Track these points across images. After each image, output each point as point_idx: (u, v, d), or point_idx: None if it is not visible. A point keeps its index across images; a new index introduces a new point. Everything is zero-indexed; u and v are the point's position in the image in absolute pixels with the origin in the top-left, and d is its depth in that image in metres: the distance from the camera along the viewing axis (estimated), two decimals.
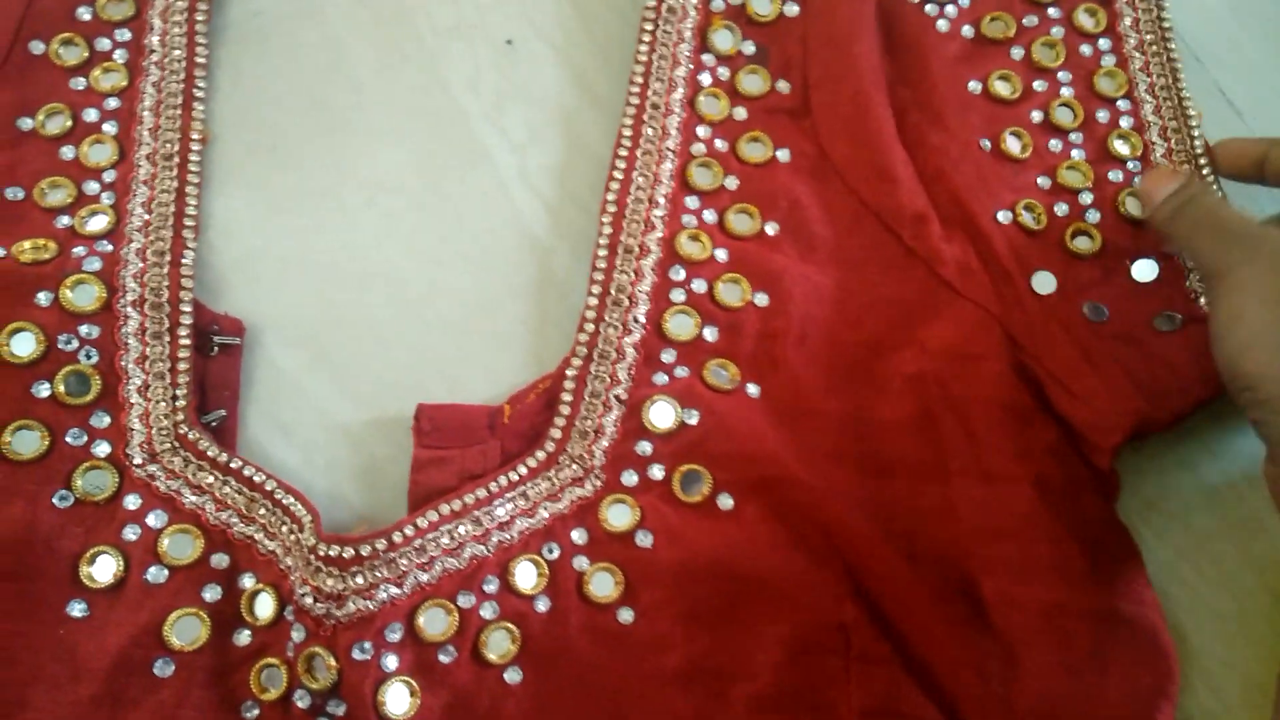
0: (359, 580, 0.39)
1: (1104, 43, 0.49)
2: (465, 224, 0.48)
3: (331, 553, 0.39)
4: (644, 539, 0.41)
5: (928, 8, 0.48)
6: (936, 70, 0.47)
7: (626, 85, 0.48)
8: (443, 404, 0.43)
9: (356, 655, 0.38)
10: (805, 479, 0.41)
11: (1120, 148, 0.47)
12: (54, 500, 0.40)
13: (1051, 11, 0.49)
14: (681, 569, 0.41)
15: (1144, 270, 0.45)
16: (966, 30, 0.48)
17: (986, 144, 0.46)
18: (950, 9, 0.48)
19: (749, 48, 0.47)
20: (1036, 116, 0.47)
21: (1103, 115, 0.48)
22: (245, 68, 0.50)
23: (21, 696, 0.38)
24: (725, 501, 0.41)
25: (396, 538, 0.40)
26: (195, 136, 0.47)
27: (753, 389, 0.43)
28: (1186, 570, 0.44)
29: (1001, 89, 0.47)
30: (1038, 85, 0.48)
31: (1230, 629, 0.44)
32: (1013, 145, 0.47)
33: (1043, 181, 0.46)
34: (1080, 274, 0.45)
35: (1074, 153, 0.47)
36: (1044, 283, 0.44)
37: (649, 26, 0.47)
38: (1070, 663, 0.40)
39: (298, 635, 0.39)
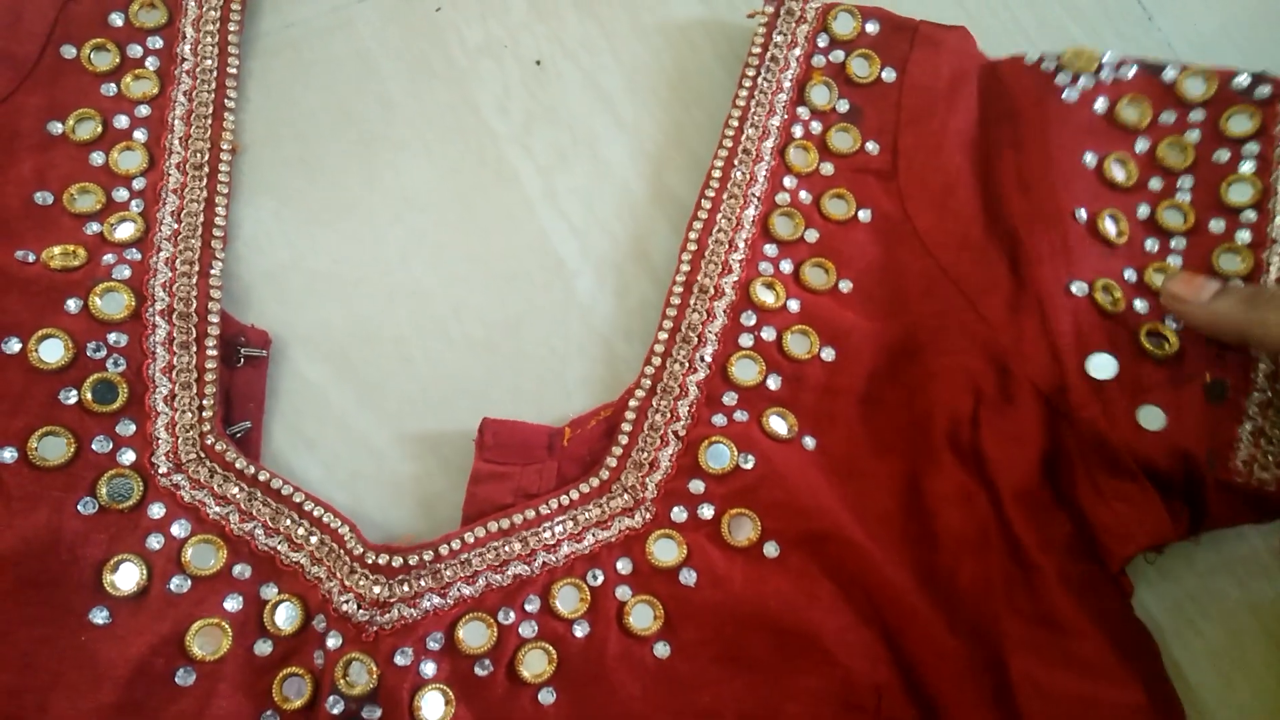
0: (405, 588, 0.40)
1: (1250, 146, 0.48)
2: (491, 243, 0.49)
3: (380, 561, 0.41)
4: (688, 576, 0.42)
5: (1059, 77, 0.49)
6: (1053, 138, 0.48)
7: (651, 112, 0.50)
8: (506, 420, 0.44)
9: (398, 660, 0.40)
10: (854, 538, 0.42)
11: (1226, 262, 0.46)
12: (79, 507, 0.41)
13: (1195, 114, 0.49)
14: (722, 610, 0.42)
15: (1215, 392, 0.44)
16: (1100, 104, 0.49)
17: (1083, 215, 0.47)
18: (1084, 80, 0.49)
19: (843, 106, 0.49)
20: (1143, 211, 0.48)
21: (1217, 226, 0.47)
22: (276, 79, 0.50)
23: (42, 702, 0.38)
24: (771, 549, 0.42)
25: (444, 550, 0.41)
26: (225, 147, 0.47)
27: (809, 441, 0.44)
28: (1189, 607, 0.46)
29: (1116, 172, 0.48)
30: (1154, 183, 0.48)
31: (1227, 666, 0.45)
32: (1109, 227, 0.47)
33: (1129, 274, 0.46)
34: (1145, 374, 0.44)
35: (1171, 258, 0.47)
36: (1102, 366, 0.44)
37: (750, 73, 0.49)
38: None
39: (334, 641, 0.40)
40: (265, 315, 0.47)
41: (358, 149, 0.49)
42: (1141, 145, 0.48)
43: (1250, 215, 0.47)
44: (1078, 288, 0.45)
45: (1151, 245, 0.47)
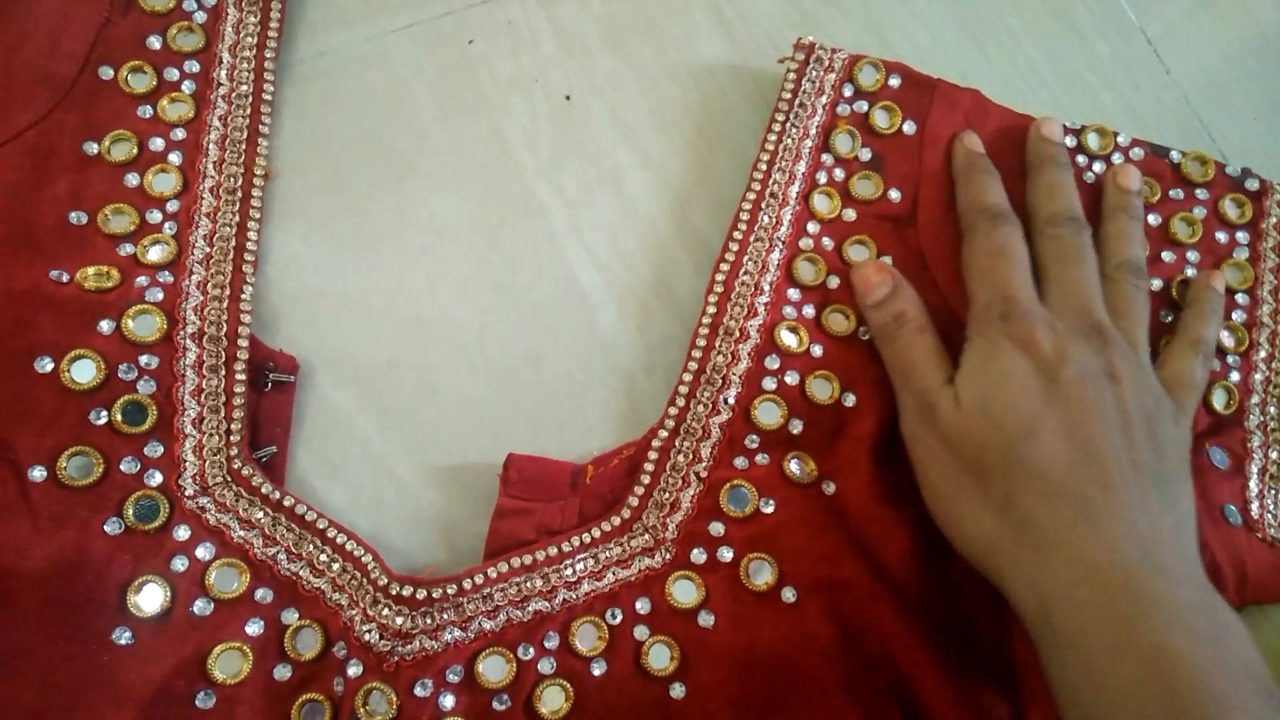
0: (427, 620, 0.41)
1: (1242, 235, 0.51)
2: (517, 275, 0.49)
3: (404, 592, 0.41)
4: (705, 619, 0.43)
5: (1079, 158, 0.51)
6: None
7: (676, 149, 0.51)
8: (531, 456, 0.45)
9: (418, 692, 0.40)
10: (871, 585, 0.43)
11: (1226, 339, 0.49)
12: (105, 527, 0.41)
13: (1200, 193, 0.52)
14: (739, 653, 0.42)
15: (1218, 457, 0.48)
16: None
17: None
18: (1098, 165, 0.51)
19: (866, 154, 0.50)
20: (1155, 284, 0.50)
21: None
22: (310, 107, 0.51)
23: None
24: (789, 594, 0.43)
25: (467, 584, 0.42)
26: (258, 172, 0.48)
27: (829, 487, 0.45)
28: None
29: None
30: (1166, 255, 0.50)
31: None
32: None
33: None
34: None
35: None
36: None
37: (780, 118, 0.50)
38: None
39: (354, 670, 0.40)
40: (292, 340, 0.47)
41: (388, 178, 0.50)
42: (1154, 219, 0.51)
43: (1242, 299, 0.50)
44: None
45: (1165, 317, 0.49)
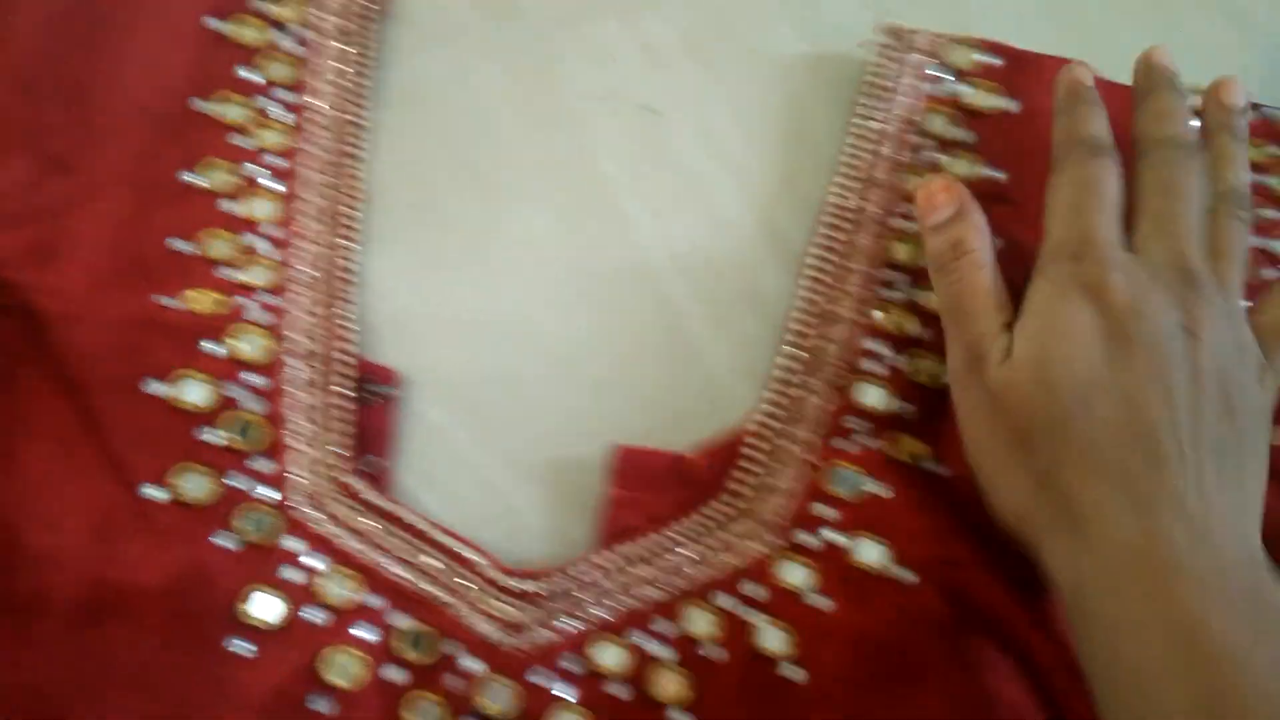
0: (540, 611, 0.42)
1: None
2: (606, 287, 0.50)
3: (516, 585, 0.42)
4: (820, 600, 0.42)
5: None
6: None
7: (760, 152, 0.51)
8: (639, 448, 0.45)
9: (536, 682, 0.41)
10: (983, 563, 0.42)
11: None
12: (217, 541, 0.42)
13: None
14: (855, 635, 0.42)
15: None
16: None
17: None
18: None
19: (961, 134, 0.49)
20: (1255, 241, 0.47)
21: None
22: (403, 130, 0.52)
23: None
24: (902, 574, 0.43)
25: (574, 573, 0.42)
26: (353, 195, 0.49)
27: (940, 468, 0.44)
28: None
29: None
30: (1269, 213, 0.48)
31: None
32: None
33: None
34: None
35: None
36: None
37: (863, 100, 0.49)
38: None
39: (471, 665, 0.41)
40: (391, 357, 0.48)
41: (477, 196, 0.51)
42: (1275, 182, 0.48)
43: None
44: None
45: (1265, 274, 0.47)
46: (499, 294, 0.49)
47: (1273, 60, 0.55)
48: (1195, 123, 0.45)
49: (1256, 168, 0.47)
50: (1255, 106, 0.49)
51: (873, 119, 0.49)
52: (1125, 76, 0.50)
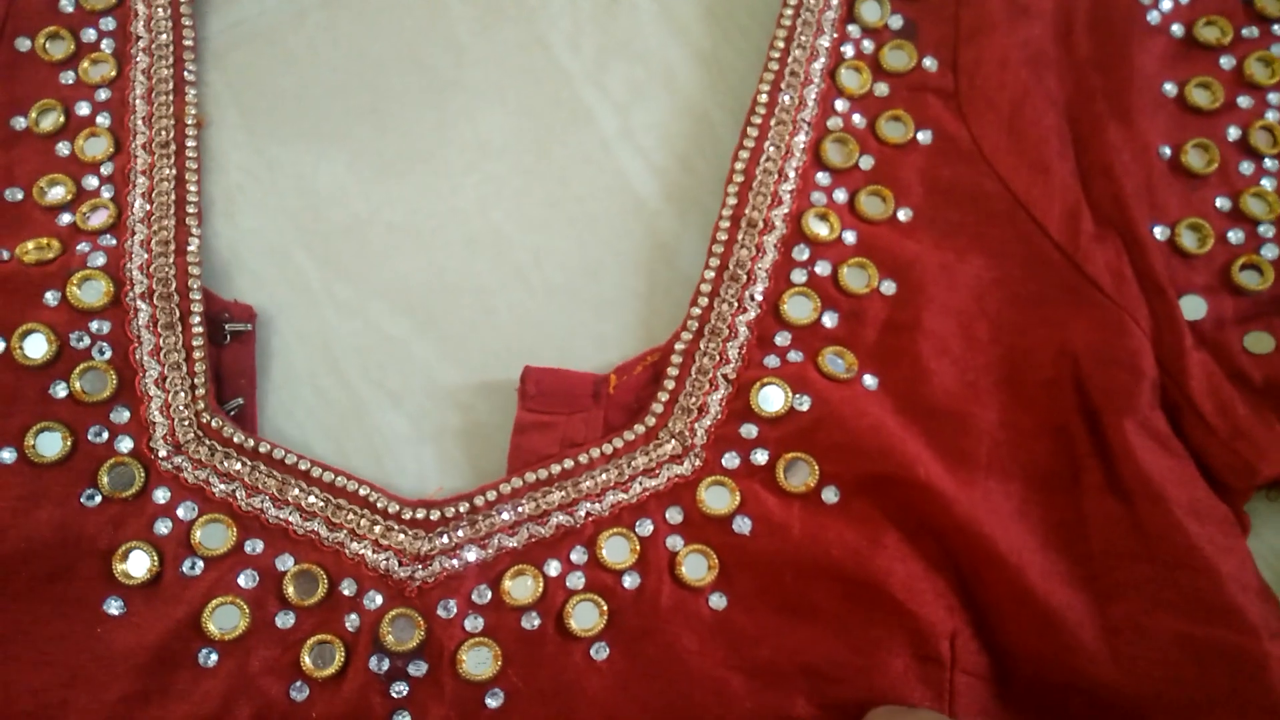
0: (444, 540, 0.40)
1: None
2: (569, 187, 0.48)
3: (417, 515, 0.41)
4: (742, 524, 0.41)
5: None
6: (1137, 63, 0.45)
7: (731, 40, 0.48)
8: (549, 368, 0.43)
9: (443, 614, 0.40)
10: (922, 479, 0.40)
11: (1256, 207, 0.45)
12: (82, 500, 0.41)
13: (1277, 28, 0.47)
14: (780, 559, 0.40)
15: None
16: (1176, 29, 0.47)
17: (1166, 152, 0.45)
18: (1166, 3, 0.47)
19: (896, 21, 0.47)
20: (1233, 133, 0.45)
21: None
22: (343, 29, 0.50)
23: (64, 699, 0.39)
24: (830, 495, 0.41)
25: (479, 500, 0.41)
26: (189, 121, 0.47)
27: (870, 380, 0.42)
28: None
29: (1199, 97, 0.45)
30: (1242, 100, 0.46)
31: None
32: (1195, 159, 0.45)
33: (1222, 203, 0.44)
34: (1243, 307, 0.43)
35: (1265, 180, 0.45)
36: (1192, 308, 0.43)
37: None
38: (1198, 702, 0.38)
39: (373, 601, 0.40)
40: (346, 270, 0.47)
41: (429, 96, 0.49)
42: (1227, 62, 0.46)
43: (1271, 164, 0.45)
44: (1160, 231, 0.43)
45: (1246, 168, 0.45)
46: (456, 199, 0.48)
47: None
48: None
49: (1223, 51, 0.46)
50: None
51: (805, 9, 0.46)
52: None
